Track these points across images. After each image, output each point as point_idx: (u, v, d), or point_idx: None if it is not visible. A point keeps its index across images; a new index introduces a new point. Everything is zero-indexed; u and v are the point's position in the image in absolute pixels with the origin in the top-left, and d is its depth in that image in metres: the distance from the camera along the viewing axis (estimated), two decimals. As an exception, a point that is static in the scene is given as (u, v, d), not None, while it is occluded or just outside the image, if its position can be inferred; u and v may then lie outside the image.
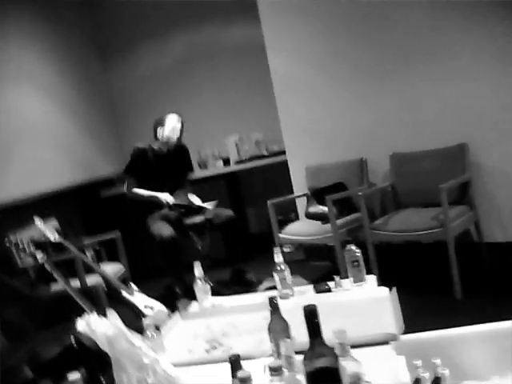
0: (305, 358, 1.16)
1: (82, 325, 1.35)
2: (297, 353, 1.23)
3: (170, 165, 4.06)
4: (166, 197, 3.91)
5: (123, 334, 1.33)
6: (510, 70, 3.36)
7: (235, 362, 1.23)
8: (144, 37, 5.61)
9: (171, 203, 3.90)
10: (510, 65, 3.35)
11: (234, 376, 1.22)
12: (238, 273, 3.96)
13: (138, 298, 3.18)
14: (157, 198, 3.92)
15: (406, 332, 1.76)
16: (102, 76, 5.80)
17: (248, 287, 3.67)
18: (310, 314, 1.15)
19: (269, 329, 1.59)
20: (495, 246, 3.47)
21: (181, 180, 4.16)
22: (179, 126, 4.01)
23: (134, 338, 1.36)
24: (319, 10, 4.06)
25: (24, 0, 4.70)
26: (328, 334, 1.21)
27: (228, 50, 5.37)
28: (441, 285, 3.25)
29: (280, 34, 4.32)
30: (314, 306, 1.16)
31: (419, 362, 1.70)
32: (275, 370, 1.15)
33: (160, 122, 4.02)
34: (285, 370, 1.23)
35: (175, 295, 3.71)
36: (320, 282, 2.38)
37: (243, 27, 5.24)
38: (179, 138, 4.06)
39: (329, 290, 2.24)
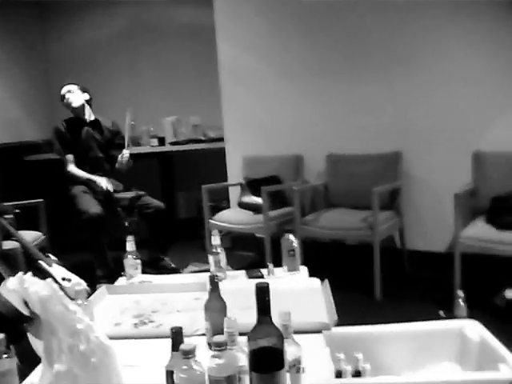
0: (250, 336, 1.15)
1: (13, 282, 1.25)
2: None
3: (95, 138, 3.98)
4: (103, 182, 3.79)
5: (58, 297, 1.25)
6: (447, 84, 3.51)
7: (177, 335, 1.20)
8: (88, 5, 5.36)
9: (107, 188, 3.77)
10: (449, 78, 3.51)
11: (174, 349, 1.19)
12: (154, 258, 3.87)
13: (56, 269, 3.04)
14: (94, 182, 3.79)
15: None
16: (40, 42, 5.51)
17: (164, 272, 3.60)
18: (262, 292, 1.14)
19: (205, 307, 1.56)
20: (415, 253, 3.63)
21: (109, 156, 4.03)
22: (74, 92, 3.96)
23: (69, 302, 1.28)
24: (275, 3, 4.07)
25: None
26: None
27: (176, 29, 5.25)
28: (363, 285, 3.36)
29: (232, 21, 4.28)
30: (267, 283, 1.15)
31: (342, 355, 1.74)
32: (220, 346, 1.12)
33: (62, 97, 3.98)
34: (226, 347, 1.22)
35: (94, 275, 3.60)
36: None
37: (194, 7, 5.12)
38: (82, 108, 3.97)
39: (261, 277, 2.24)
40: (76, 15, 5.43)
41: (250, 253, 4.20)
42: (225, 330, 1.22)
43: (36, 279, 1.27)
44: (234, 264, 3.52)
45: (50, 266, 3.03)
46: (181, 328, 1.21)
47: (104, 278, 3.46)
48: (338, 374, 1.71)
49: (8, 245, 3.09)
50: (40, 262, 3.03)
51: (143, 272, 3.15)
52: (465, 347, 1.76)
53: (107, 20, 5.42)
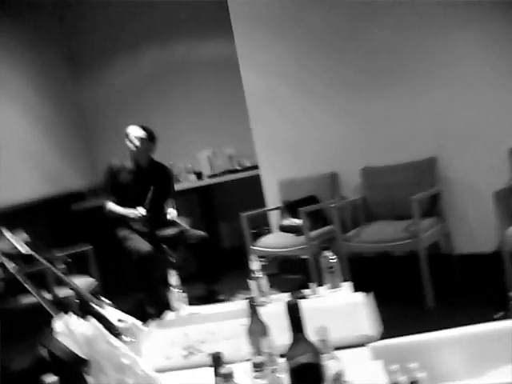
0: (287, 355, 1.17)
1: (59, 325, 1.32)
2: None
3: (148, 184, 3.88)
4: (138, 210, 3.83)
5: (102, 335, 1.31)
6: (476, 86, 3.48)
7: (217, 360, 1.23)
8: (117, 50, 5.60)
9: (144, 214, 3.77)
10: (475, 80, 3.48)
11: (216, 374, 1.22)
12: (211, 294, 3.91)
13: (110, 312, 3.13)
14: (131, 214, 3.82)
15: (379, 338, 1.78)
16: (73, 89, 5.74)
17: None
18: (293, 309, 1.16)
19: (248, 331, 1.58)
20: (465, 257, 3.55)
21: (159, 201, 3.99)
22: (141, 134, 3.88)
23: (114, 339, 1.34)
24: (291, 25, 4.15)
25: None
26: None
27: (201, 65, 5.41)
28: (412, 295, 3.30)
29: (253, 49, 4.38)
30: (297, 300, 1.17)
31: (396, 367, 1.73)
32: (259, 366, 1.15)
33: (126, 136, 3.94)
34: (267, 368, 1.24)
35: (145, 312, 3.65)
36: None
37: (216, 42, 5.29)
38: (148, 154, 3.96)
39: (304, 298, 2.25)
40: (105, 60, 5.68)
41: (298, 275, 4.19)
42: (263, 350, 1.24)
43: (79, 319, 1.33)
44: (282, 287, 3.54)
45: (104, 309, 3.12)
46: (219, 353, 1.24)
47: (156, 316, 3.52)
48: (393, 387, 1.70)
49: (62, 293, 3.22)
50: (93, 306, 3.14)
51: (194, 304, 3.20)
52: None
53: (134, 63, 5.64)
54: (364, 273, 3.69)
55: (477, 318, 2.08)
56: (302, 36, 4.12)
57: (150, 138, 3.91)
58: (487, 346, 1.80)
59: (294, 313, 1.16)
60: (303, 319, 1.17)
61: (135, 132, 3.89)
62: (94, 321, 1.33)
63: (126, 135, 3.93)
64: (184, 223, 3.87)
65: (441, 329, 1.85)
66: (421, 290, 3.18)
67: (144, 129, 3.91)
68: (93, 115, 5.74)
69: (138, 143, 3.86)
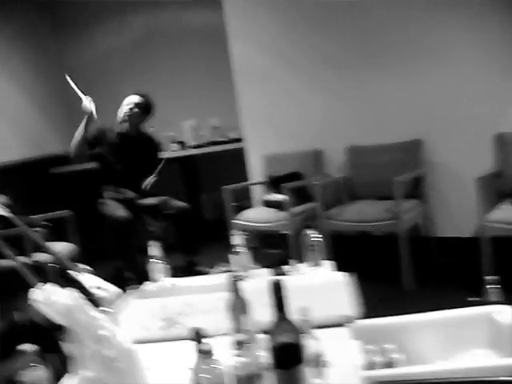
0: (269, 333, 1.16)
1: (39, 294, 1.29)
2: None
3: (132, 152, 3.89)
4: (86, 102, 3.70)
5: (81, 305, 1.29)
6: (462, 70, 3.46)
7: (197, 335, 1.22)
8: (102, 15, 5.46)
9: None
10: (464, 64, 3.46)
11: (196, 349, 1.21)
12: (190, 264, 3.90)
13: (87, 278, 3.10)
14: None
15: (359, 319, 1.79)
16: (56, 52, 5.60)
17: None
18: (276, 288, 1.15)
19: (228, 307, 1.57)
20: (444, 240, 3.59)
21: (143, 171, 3.96)
22: (130, 106, 3.84)
23: (92, 309, 1.32)
24: (284, 0, 4.06)
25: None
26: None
27: (189, 33, 5.30)
28: (391, 275, 3.34)
29: (242, 21, 4.30)
30: (280, 279, 1.16)
31: (373, 347, 1.75)
32: (240, 344, 1.14)
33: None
34: (247, 345, 1.23)
35: (124, 278, 3.64)
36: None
37: (205, 11, 5.17)
38: (137, 123, 3.92)
39: (284, 274, 2.25)
40: (89, 24, 5.54)
41: (278, 250, 4.20)
42: (244, 328, 1.23)
43: (60, 289, 1.30)
44: (262, 262, 3.54)
45: (83, 275, 3.10)
46: (199, 329, 1.23)
47: (133, 281, 3.51)
48: (370, 366, 1.72)
49: (38, 257, 3.18)
50: (71, 272, 3.11)
51: (176, 277, 3.19)
52: (497, 333, 1.74)
53: (120, 28, 5.51)
54: (344, 252, 3.72)
55: (454, 300, 2.13)
56: (293, 11, 4.05)
57: (144, 109, 3.87)
58: (462, 331, 1.83)
59: (277, 292, 1.15)
60: (286, 298, 1.16)
61: (130, 98, 3.84)
62: (72, 290, 1.31)
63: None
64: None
65: (419, 310, 1.88)
66: (400, 271, 3.22)
67: (143, 97, 3.87)
68: (75, 79, 5.58)
69: (127, 109, 3.82)
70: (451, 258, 3.52)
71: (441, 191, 3.63)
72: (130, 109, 3.83)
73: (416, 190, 3.54)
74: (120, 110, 3.86)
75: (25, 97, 4.98)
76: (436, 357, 1.80)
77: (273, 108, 4.27)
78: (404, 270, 3.21)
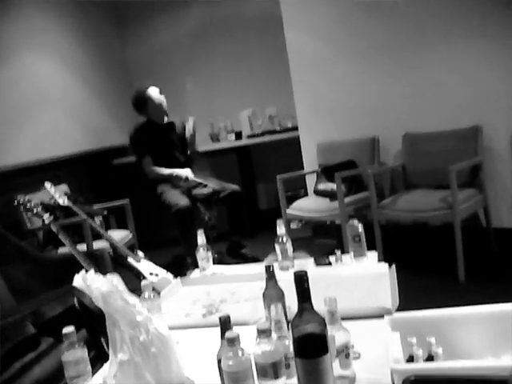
0: (292, 323, 1.18)
1: (78, 280, 1.37)
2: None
3: (172, 138, 4.07)
4: (186, 172, 3.94)
5: (118, 291, 1.35)
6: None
7: (225, 324, 1.25)
8: (161, 7, 5.57)
9: (190, 179, 3.90)
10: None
11: (223, 337, 1.24)
12: (234, 245, 3.96)
13: (144, 265, 3.22)
14: (177, 174, 3.92)
15: (405, 310, 1.76)
16: (118, 45, 5.79)
17: (243, 261, 3.67)
18: (300, 280, 1.16)
19: (263, 296, 1.60)
20: (503, 232, 3.44)
21: (186, 154, 4.16)
22: (163, 98, 4.04)
23: (129, 296, 1.38)
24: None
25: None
26: (322, 306, 1.23)
27: (245, 24, 5.33)
28: (445, 267, 3.25)
29: (297, 10, 4.26)
30: (305, 271, 1.17)
31: (414, 340, 1.71)
32: (263, 332, 1.16)
33: (143, 96, 4.02)
34: (274, 334, 1.25)
35: (185, 265, 3.74)
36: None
37: (261, 1, 5.18)
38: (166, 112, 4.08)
39: (329, 264, 2.25)
40: (149, 19, 5.67)
41: (331, 240, 4.18)
42: (272, 317, 1.25)
43: (97, 276, 1.37)
44: (314, 252, 3.54)
45: (139, 262, 3.22)
46: (228, 317, 1.26)
47: (193, 267, 3.61)
48: (410, 359, 1.69)
49: (97, 245, 3.33)
50: (128, 259, 3.24)
51: (223, 262, 3.24)
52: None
53: (179, 21, 5.61)
54: (398, 241, 3.65)
55: (509, 295, 2.03)
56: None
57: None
58: (510, 327, 1.76)
59: (301, 283, 1.16)
60: (309, 289, 1.17)
61: (155, 92, 4.01)
62: (110, 277, 1.37)
63: (147, 97, 4.00)
64: (213, 183, 3.92)
65: (470, 303, 1.81)
66: (456, 263, 3.12)
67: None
68: (136, 72, 5.77)
69: (160, 101, 4.01)
70: (509, 249, 3.37)
71: (499, 180, 3.48)
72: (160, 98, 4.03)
73: (473, 178, 3.40)
74: (159, 103, 4.01)
75: (89, 92, 5.18)
76: (484, 353, 1.74)
77: (327, 96, 4.23)
78: (459, 262, 3.11)
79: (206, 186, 3.92)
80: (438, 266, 3.37)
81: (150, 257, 3.37)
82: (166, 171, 3.97)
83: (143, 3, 5.62)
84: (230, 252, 3.91)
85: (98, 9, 5.46)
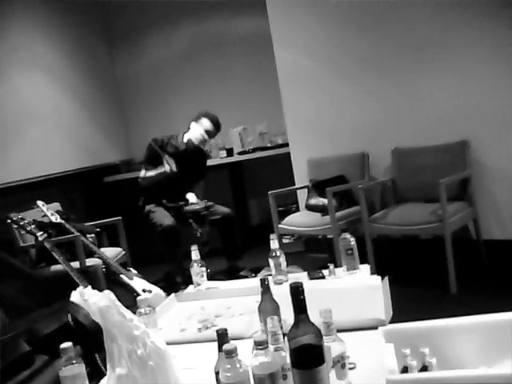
0: (289, 335, 1.19)
1: (75, 296, 1.38)
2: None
3: (185, 164, 3.99)
4: (190, 197, 3.96)
5: (115, 306, 1.36)
6: (507, 68, 3.37)
7: (222, 336, 1.27)
8: (151, 25, 5.63)
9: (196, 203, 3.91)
10: (509, 62, 3.36)
11: (220, 350, 1.25)
12: (232, 270, 3.97)
13: (137, 282, 3.23)
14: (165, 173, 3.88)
15: (397, 321, 1.78)
16: (109, 63, 5.83)
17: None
18: (296, 291, 1.18)
19: (259, 309, 1.62)
20: (493, 243, 3.49)
21: (192, 182, 4.15)
22: (202, 134, 3.98)
23: (126, 310, 1.39)
24: (326, 4, 4.08)
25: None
26: (318, 318, 1.25)
27: (234, 41, 5.40)
28: (437, 279, 3.28)
29: (286, 27, 4.34)
30: (300, 283, 1.19)
31: (408, 351, 1.73)
32: (260, 344, 1.18)
33: (196, 119, 4.00)
34: (270, 346, 1.27)
35: (175, 282, 3.74)
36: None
37: (250, 19, 5.26)
38: (204, 141, 4.05)
39: (322, 277, 2.27)
40: (140, 37, 5.72)
41: (323, 254, 4.21)
42: (268, 329, 1.27)
43: (95, 291, 1.38)
44: (307, 266, 3.56)
45: (131, 279, 3.23)
46: (225, 330, 1.28)
47: (184, 285, 3.61)
48: (404, 370, 1.71)
49: (90, 262, 3.33)
50: (121, 276, 3.24)
51: (217, 278, 3.25)
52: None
53: (169, 40, 5.67)
54: (389, 255, 3.68)
55: (502, 306, 2.06)
56: (336, 15, 4.05)
57: (213, 135, 4.08)
58: (503, 336, 1.78)
59: (297, 295, 1.18)
60: (305, 301, 1.19)
61: (207, 124, 3.97)
62: (107, 292, 1.39)
63: (196, 119, 4.00)
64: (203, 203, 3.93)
65: (462, 314, 1.84)
66: (446, 275, 3.16)
67: (213, 122, 4.00)
68: (127, 90, 5.81)
69: (206, 137, 3.99)
70: (499, 261, 3.42)
71: (488, 193, 3.53)
72: (203, 136, 3.98)
73: (463, 191, 3.46)
74: (190, 133, 3.99)
75: (80, 109, 5.19)
76: (477, 363, 1.76)
77: (317, 112, 4.29)
78: (450, 274, 3.14)
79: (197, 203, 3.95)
80: (429, 278, 3.40)
81: (143, 273, 3.38)
82: (155, 173, 3.93)
83: (133, 22, 5.69)
84: (228, 274, 3.93)
85: (88, 27, 5.50)
